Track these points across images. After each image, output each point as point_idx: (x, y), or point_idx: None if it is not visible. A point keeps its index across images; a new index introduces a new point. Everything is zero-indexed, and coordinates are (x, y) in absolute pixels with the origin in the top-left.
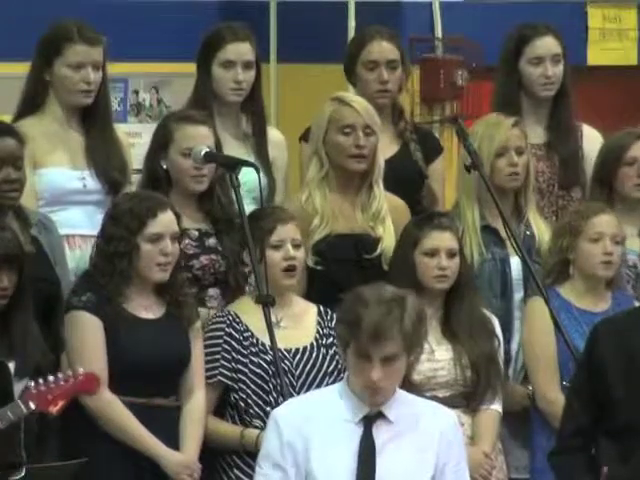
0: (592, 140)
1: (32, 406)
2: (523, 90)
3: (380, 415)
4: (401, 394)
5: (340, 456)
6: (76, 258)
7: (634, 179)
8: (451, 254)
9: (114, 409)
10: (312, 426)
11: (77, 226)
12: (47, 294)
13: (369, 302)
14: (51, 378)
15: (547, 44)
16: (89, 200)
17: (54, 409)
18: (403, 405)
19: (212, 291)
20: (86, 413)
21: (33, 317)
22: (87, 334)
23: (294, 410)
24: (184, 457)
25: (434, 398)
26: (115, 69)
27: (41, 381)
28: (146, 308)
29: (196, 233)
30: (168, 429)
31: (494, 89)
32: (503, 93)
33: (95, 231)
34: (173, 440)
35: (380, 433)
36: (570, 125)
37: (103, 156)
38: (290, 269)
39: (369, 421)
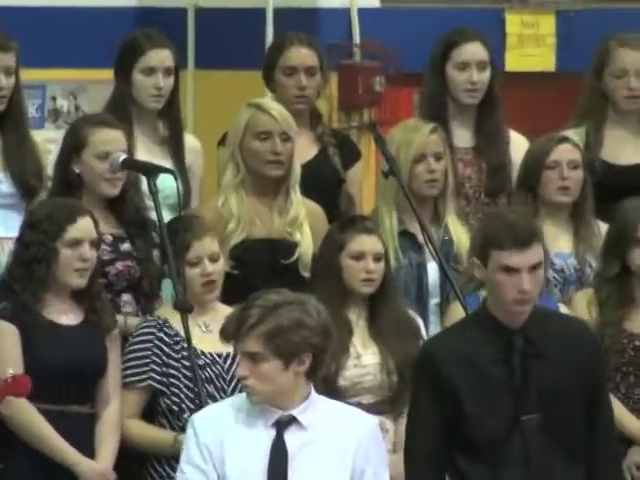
0: (519, 147)
1: None
2: (449, 95)
3: (293, 420)
4: (318, 399)
5: (253, 461)
6: None
7: (557, 182)
8: (377, 258)
9: (28, 416)
10: (227, 430)
11: None
12: None
13: (247, 303)
14: None
15: (474, 50)
16: (3, 203)
17: None
18: (319, 410)
19: (126, 297)
20: (1, 420)
21: None
22: (3, 342)
23: (210, 414)
24: (99, 465)
25: (359, 405)
26: (33, 75)
27: None
28: (64, 314)
29: (110, 238)
30: (84, 437)
31: (421, 92)
32: (429, 97)
33: (9, 234)
34: (88, 448)
35: (293, 439)
36: (498, 132)
37: (19, 160)
38: (208, 283)
39: (281, 426)
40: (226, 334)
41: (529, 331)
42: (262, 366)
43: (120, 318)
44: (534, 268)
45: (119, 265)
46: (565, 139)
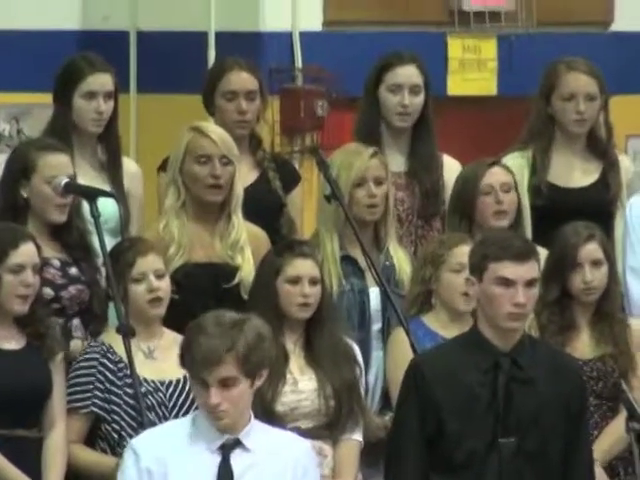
0: (452, 170)
1: None
2: (383, 119)
3: (238, 443)
4: (257, 424)
5: None
6: None
7: (493, 207)
8: (313, 282)
9: None
10: (171, 455)
11: None
12: None
13: (204, 328)
14: None
15: (407, 73)
16: None
17: None
18: (260, 434)
19: (76, 321)
20: None
21: None
22: None
23: (152, 439)
24: None
25: (297, 430)
26: None
27: None
28: (6, 339)
29: (58, 262)
30: (30, 461)
31: (357, 117)
32: (364, 121)
33: None
34: (35, 472)
35: (238, 461)
36: (431, 156)
37: None
38: (155, 300)
39: (227, 449)
40: (207, 364)
41: (517, 355)
42: (235, 389)
43: (78, 343)
44: (530, 284)
45: (72, 289)
46: (495, 163)
